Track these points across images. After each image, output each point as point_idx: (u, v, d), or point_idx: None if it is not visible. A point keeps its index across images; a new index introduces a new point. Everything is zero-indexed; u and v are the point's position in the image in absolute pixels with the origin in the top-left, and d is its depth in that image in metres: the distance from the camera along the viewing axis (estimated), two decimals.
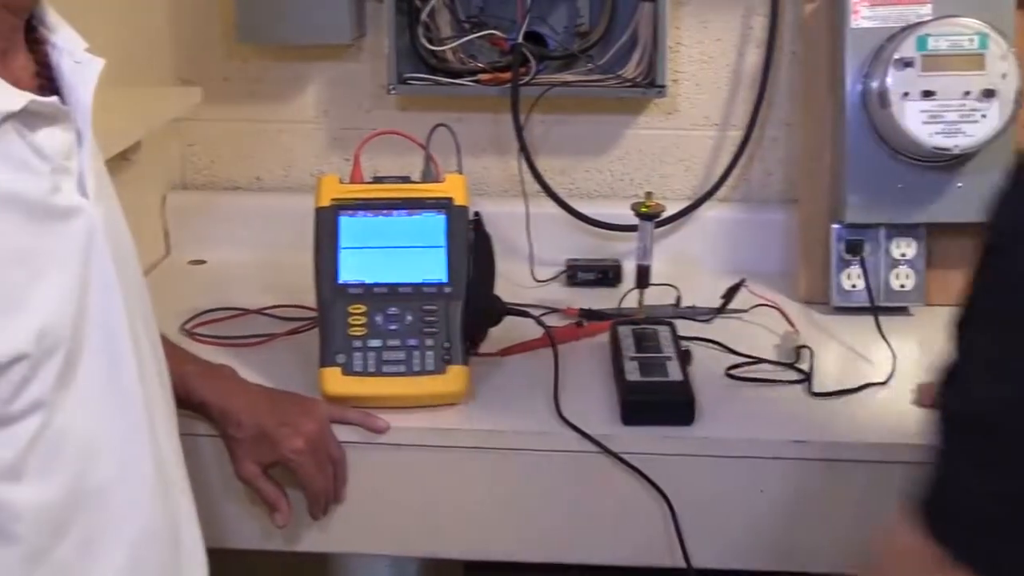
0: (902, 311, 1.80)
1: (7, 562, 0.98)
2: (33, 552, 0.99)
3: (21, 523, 0.98)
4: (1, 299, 0.93)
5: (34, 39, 1.05)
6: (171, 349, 1.29)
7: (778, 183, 2.05)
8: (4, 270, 0.94)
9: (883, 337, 1.68)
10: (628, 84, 1.92)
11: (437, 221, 1.56)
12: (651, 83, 1.91)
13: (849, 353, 1.68)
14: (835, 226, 1.80)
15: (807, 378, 1.57)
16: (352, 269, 1.53)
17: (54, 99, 1.00)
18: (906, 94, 1.69)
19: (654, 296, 1.75)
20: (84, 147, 1.03)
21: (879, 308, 1.75)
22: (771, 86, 1.97)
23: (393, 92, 1.94)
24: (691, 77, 2.02)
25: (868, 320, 1.73)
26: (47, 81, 1.05)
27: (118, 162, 1.80)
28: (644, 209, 1.68)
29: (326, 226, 1.55)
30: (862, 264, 1.78)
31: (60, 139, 1.00)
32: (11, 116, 0.95)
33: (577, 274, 1.94)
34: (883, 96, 1.70)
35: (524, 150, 1.94)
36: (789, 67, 1.99)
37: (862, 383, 1.57)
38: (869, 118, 1.75)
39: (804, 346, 1.64)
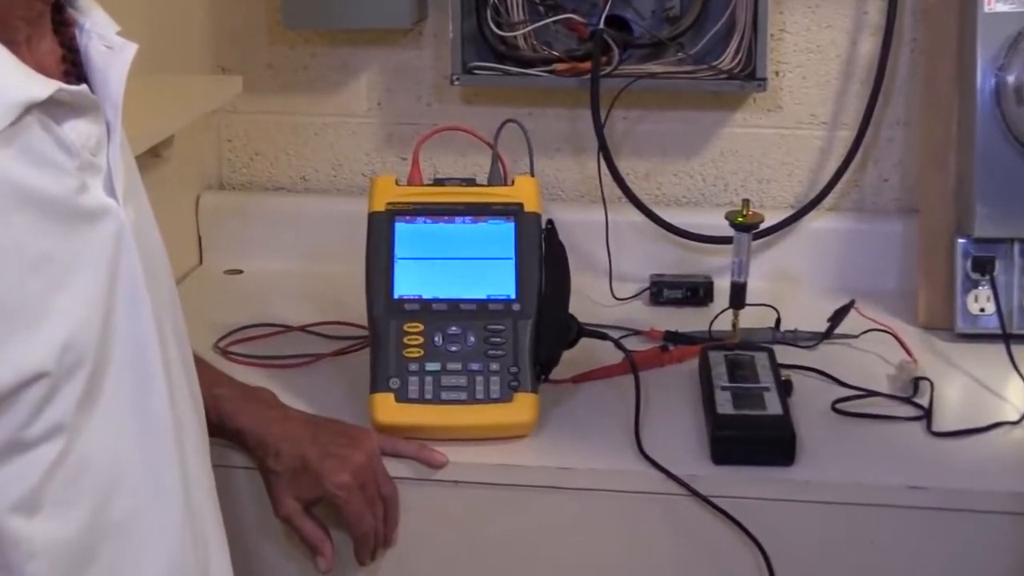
0: None
1: None
2: None
3: (36, 561, 0.99)
4: (20, 310, 0.94)
5: (60, 20, 1.07)
6: (204, 369, 1.30)
7: (895, 190, 2.04)
8: (23, 277, 0.95)
9: (1016, 369, 1.67)
10: (724, 76, 1.92)
11: (505, 229, 1.57)
12: (750, 75, 1.90)
13: (976, 387, 1.67)
14: (961, 240, 1.79)
15: (926, 415, 1.56)
16: (409, 282, 1.55)
17: (83, 87, 1.02)
18: None
19: (750, 318, 1.75)
20: (113, 141, 1.05)
21: (1012, 335, 1.73)
22: (888, 79, 1.95)
23: (457, 83, 1.95)
24: (796, 69, 2.02)
25: (999, 349, 1.71)
26: (73, 67, 1.06)
27: (148, 159, 1.83)
28: (740, 219, 1.68)
29: (380, 233, 1.56)
30: (992, 284, 1.77)
31: (87, 132, 1.02)
32: (35, 106, 0.96)
33: (663, 292, 1.94)
34: (1020, 91, 1.68)
35: (604, 150, 1.94)
36: (909, 58, 1.98)
37: (991, 422, 1.55)
38: (1002, 116, 1.74)
39: (923, 378, 1.63)
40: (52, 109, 0.98)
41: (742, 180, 2.07)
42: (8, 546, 0.98)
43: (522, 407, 1.49)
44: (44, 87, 0.97)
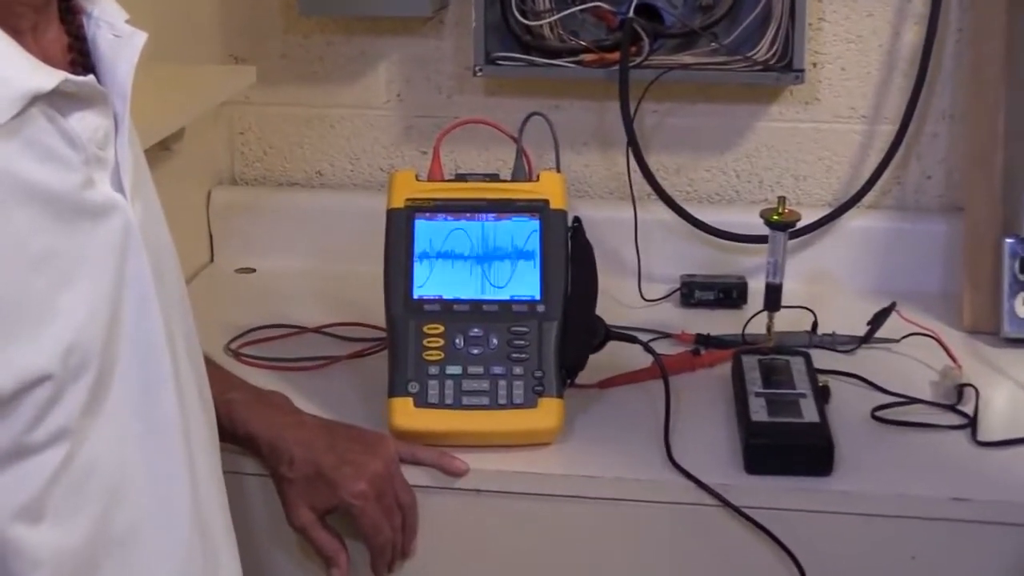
0: None
1: None
2: None
3: (40, 572, 0.99)
4: (22, 310, 0.95)
5: (67, 7, 1.07)
6: (215, 372, 1.31)
7: (938, 187, 2.03)
8: (27, 276, 0.95)
9: None
10: (759, 68, 1.92)
11: (530, 227, 1.57)
12: (787, 67, 1.90)
13: (1023, 394, 1.66)
14: (1008, 240, 1.78)
15: (971, 423, 1.55)
16: (429, 282, 1.55)
17: (90, 78, 1.02)
18: None
19: (786, 321, 1.75)
20: (121, 134, 1.05)
21: None
22: (932, 71, 1.95)
23: (480, 74, 1.95)
24: (835, 60, 2.01)
25: None
26: (79, 56, 1.07)
27: (157, 152, 1.83)
28: (776, 217, 1.68)
29: (399, 231, 1.56)
30: None
31: (95, 125, 1.02)
32: (40, 98, 0.97)
33: (694, 293, 1.93)
34: None
35: (633, 145, 1.94)
36: (955, 48, 1.97)
37: None
38: None
39: (968, 384, 1.62)
40: (57, 101, 0.99)
41: (778, 176, 2.06)
42: (10, 556, 0.99)
43: (547, 413, 1.49)
44: (49, 78, 0.97)
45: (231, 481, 1.26)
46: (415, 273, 1.55)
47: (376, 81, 2.11)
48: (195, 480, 1.12)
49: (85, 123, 1.01)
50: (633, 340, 1.60)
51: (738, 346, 1.71)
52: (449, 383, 1.49)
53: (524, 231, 1.57)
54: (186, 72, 1.93)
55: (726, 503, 1.43)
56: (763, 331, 1.72)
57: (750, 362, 1.62)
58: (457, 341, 1.51)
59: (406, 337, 1.51)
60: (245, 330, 1.79)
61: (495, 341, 1.51)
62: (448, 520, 1.48)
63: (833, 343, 1.77)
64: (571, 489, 1.46)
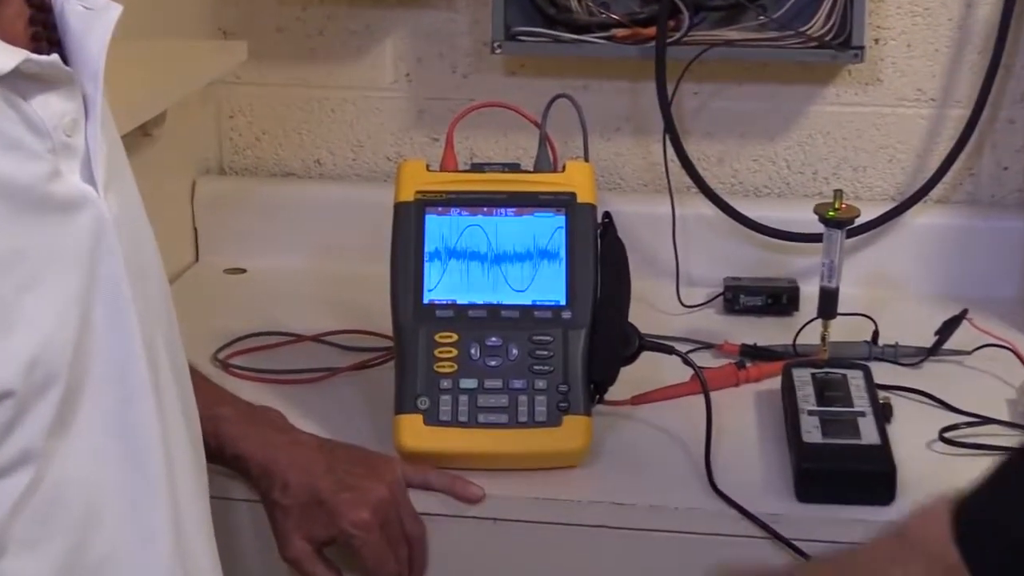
0: None
1: None
2: None
3: None
4: None
5: None
6: (201, 386, 1.31)
7: (1016, 180, 2.03)
8: None
9: None
10: (813, 44, 1.92)
11: (554, 223, 1.57)
12: (844, 43, 1.90)
13: None
14: None
15: None
16: (441, 284, 1.55)
17: (54, 57, 1.02)
18: None
19: (843, 330, 1.74)
20: (92, 119, 1.05)
21: None
22: (1010, 48, 1.94)
23: (499, 51, 1.95)
24: (900, 35, 2.01)
25: None
26: (44, 29, 1.06)
27: (136, 139, 1.84)
28: (832, 213, 1.67)
29: (407, 227, 1.57)
30: None
31: (61, 109, 1.01)
32: None
33: (739, 298, 1.93)
34: None
35: (671, 131, 1.94)
36: None
37: None
38: None
39: None
40: (18, 83, 0.98)
41: (834, 167, 2.06)
42: None
43: (572, 432, 1.49)
44: (8, 57, 0.96)
45: (218, 507, 1.26)
46: (426, 275, 1.55)
47: (382, 59, 2.12)
48: (177, 506, 1.12)
49: (50, 107, 1.00)
50: (670, 351, 1.60)
51: (788, 358, 1.72)
52: (463, 398, 1.50)
53: (548, 228, 1.57)
54: (168, 48, 1.94)
55: (775, 535, 1.43)
56: (817, 341, 1.72)
57: (802, 376, 1.62)
58: (472, 351, 1.51)
59: (415, 346, 1.52)
60: (234, 338, 1.80)
61: (515, 351, 1.51)
62: (461, 552, 1.48)
63: (896, 355, 1.77)
64: (599, 518, 1.46)
